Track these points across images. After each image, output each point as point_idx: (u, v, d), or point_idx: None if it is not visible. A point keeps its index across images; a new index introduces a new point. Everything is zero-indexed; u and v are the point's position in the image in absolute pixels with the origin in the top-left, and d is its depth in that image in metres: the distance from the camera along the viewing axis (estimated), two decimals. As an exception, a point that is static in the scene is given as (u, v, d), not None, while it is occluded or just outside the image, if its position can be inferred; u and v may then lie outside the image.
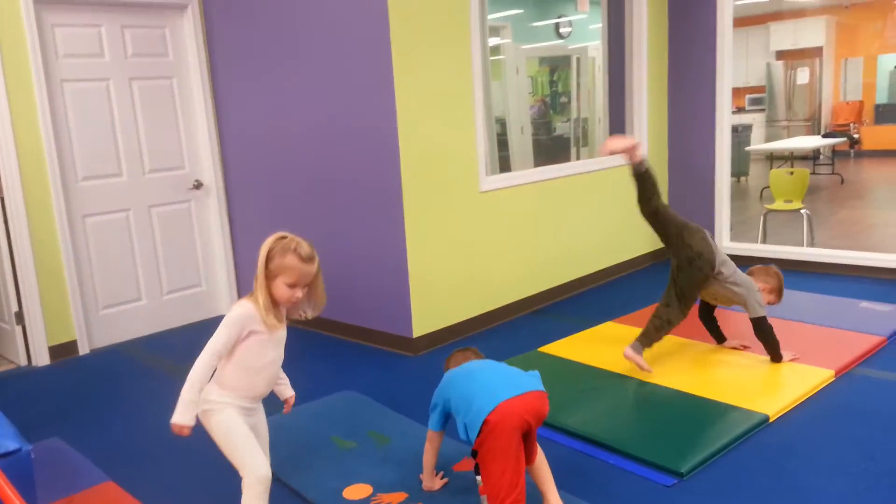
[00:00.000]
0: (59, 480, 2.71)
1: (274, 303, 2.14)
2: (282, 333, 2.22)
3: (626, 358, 3.42)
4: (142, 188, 4.67)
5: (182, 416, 2.05)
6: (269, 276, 2.10)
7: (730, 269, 3.42)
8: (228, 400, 2.17)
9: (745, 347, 3.63)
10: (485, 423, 2.09)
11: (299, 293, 2.13)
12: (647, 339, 3.43)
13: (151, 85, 4.67)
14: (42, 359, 4.23)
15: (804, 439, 2.77)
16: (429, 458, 2.48)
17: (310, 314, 2.26)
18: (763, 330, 3.42)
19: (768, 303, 3.49)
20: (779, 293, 3.53)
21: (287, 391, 2.46)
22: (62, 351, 4.29)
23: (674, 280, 3.44)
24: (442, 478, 2.54)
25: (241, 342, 2.14)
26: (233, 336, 2.10)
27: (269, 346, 2.19)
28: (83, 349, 4.38)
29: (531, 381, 2.22)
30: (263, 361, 2.19)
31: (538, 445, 2.27)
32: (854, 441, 2.73)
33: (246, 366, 2.16)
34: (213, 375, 2.17)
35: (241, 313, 2.11)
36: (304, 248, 2.12)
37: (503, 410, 2.10)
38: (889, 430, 2.80)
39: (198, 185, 4.91)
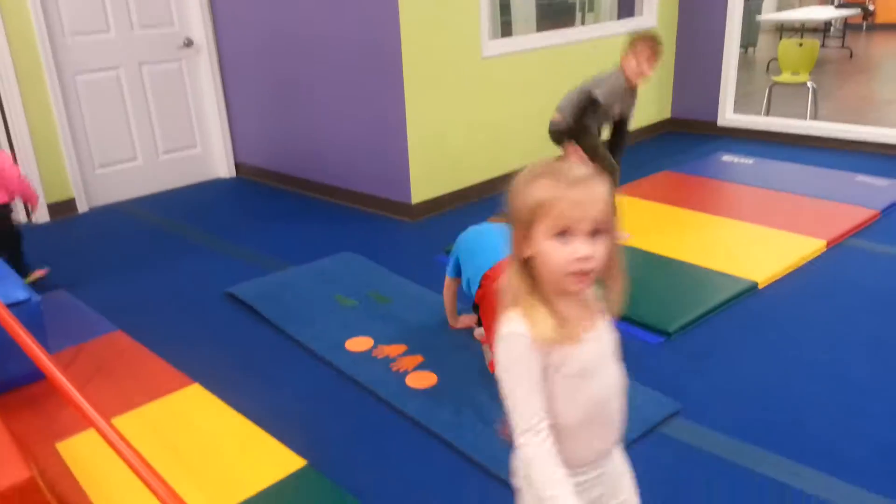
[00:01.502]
0: (69, 330, 2.80)
1: (548, 290, 1.12)
2: (598, 343, 1.17)
3: None
4: (131, 45, 4.51)
5: None
6: (526, 241, 1.10)
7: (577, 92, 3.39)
8: None
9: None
10: (485, 277, 2.16)
11: (585, 248, 1.07)
12: None
13: (136, -68, 4.40)
14: (42, 216, 4.25)
15: (790, 307, 2.86)
16: (447, 302, 2.65)
17: (613, 304, 1.17)
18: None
19: (642, 73, 3.27)
20: (650, 56, 3.24)
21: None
22: (61, 209, 4.30)
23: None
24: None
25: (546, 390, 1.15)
26: (530, 381, 1.11)
27: (585, 375, 1.15)
28: (82, 207, 4.39)
29: None
30: (583, 405, 1.16)
31: None
32: (840, 310, 2.82)
33: (555, 422, 1.15)
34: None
35: (511, 348, 1.12)
36: (568, 167, 1.10)
37: (503, 267, 2.16)
38: (875, 300, 2.89)
39: (188, 44, 4.74)
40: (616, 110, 3.37)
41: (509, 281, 1.14)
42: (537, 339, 1.09)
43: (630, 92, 3.34)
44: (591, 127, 3.38)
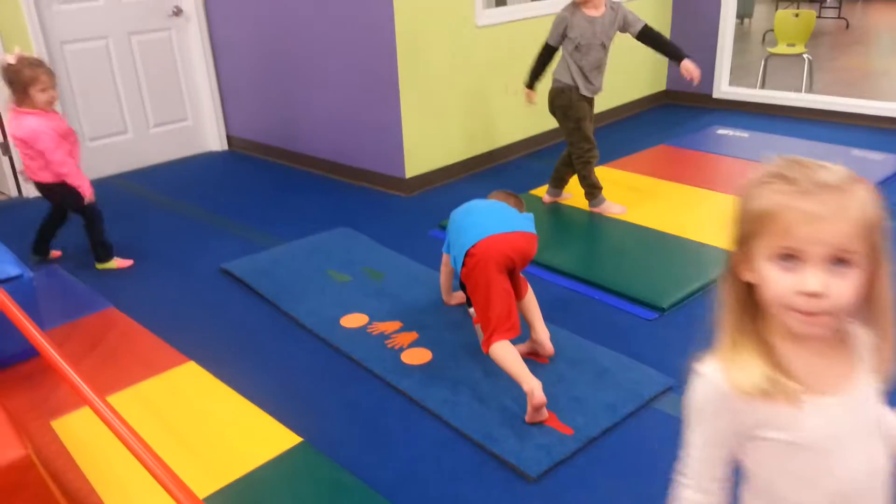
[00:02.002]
0: (62, 306, 2.79)
1: (772, 327, 0.88)
2: (844, 409, 0.88)
3: (598, 210, 3.51)
4: (119, 13, 4.42)
5: None
6: (746, 260, 0.88)
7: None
8: None
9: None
10: (468, 255, 2.16)
11: (815, 281, 0.80)
12: (589, 187, 3.51)
13: None
14: (31, 189, 4.19)
15: (784, 280, 2.86)
16: (442, 278, 2.66)
17: (882, 361, 0.90)
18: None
19: None
20: None
21: None
22: (51, 183, 4.25)
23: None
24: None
25: (748, 452, 0.92)
26: (708, 438, 0.93)
27: (818, 451, 0.88)
28: (73, 182, 4.34)
29: (522, 222, 2.26)
30: (814, 489, 0.89)
31: (527, 283, 2.35)
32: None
33: (777, 498, 0.93)
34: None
35: (696, 390, 0.94)
36: (812, 170, 0.83)
37: (487, 244, 2.16)
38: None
39: (177, 12, 4.66)
40: (594, 40, 3.26)
41: (720, 308, 0.91)
42: (734, 389, 0.86)
43: (583, 12, 3.23)
44: (573, 95, 3.35)
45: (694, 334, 2.64)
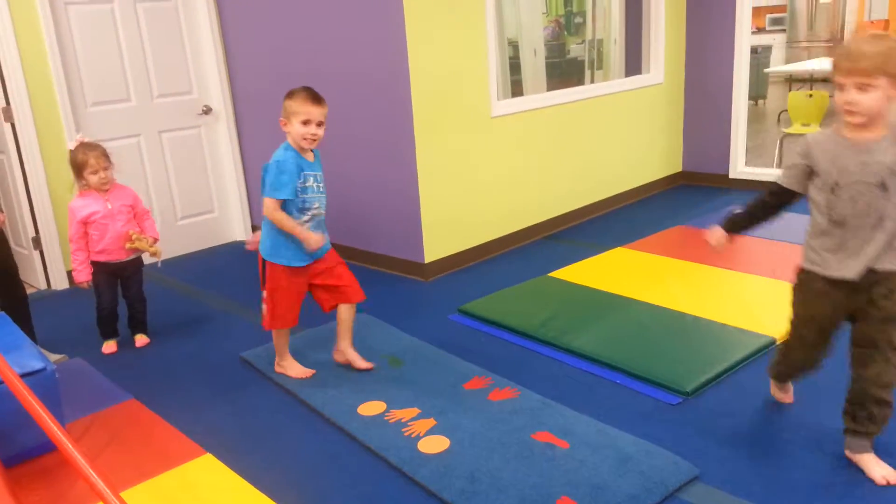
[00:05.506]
0: (84, 399, 2.80)
1: None
2: None
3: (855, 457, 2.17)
4: (151, 113, 4.64)
5: None
6: None
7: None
8: None
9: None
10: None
11: None
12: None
13: (156, 7, 4.57)
14: (61, 283, 4.31)
15: (810, 361, 2.80)
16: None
17: None
18: None
19: None
20: None
21: None
22: (80, 275, 4.36)
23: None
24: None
25: None
26: None
27: None
28: (101, 274, 4.45)
29: None
30: None
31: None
32: (860, 362, 2.75)
33: None
34: None
35: None
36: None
37: None
38: (895, 352, 2.82)
39: (207, 111, 4.87)
40: (862, 177, 2.01)
41: None
42: None
43: (839, 136, 2.08)
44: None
45: (720, 419, 2.59)
